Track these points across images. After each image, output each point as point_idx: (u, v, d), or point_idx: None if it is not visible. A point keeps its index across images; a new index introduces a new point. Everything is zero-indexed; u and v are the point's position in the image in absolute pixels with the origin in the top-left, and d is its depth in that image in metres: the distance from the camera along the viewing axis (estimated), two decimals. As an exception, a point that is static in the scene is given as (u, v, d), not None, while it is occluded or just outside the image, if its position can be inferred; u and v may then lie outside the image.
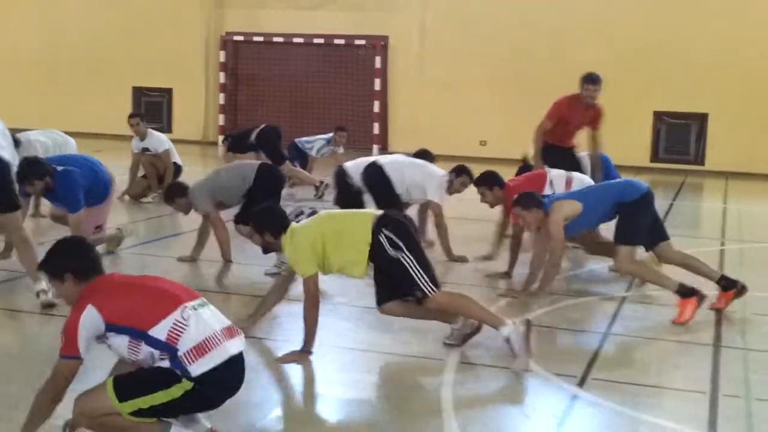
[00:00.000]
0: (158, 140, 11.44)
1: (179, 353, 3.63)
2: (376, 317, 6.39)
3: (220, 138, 18.53)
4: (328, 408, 4.77)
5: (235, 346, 3.81)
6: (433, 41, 17.39)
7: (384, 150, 17.20)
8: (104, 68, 18.77)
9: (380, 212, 5.55)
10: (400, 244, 5.31)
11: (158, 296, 3.78)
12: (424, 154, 9.45)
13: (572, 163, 8.90)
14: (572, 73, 11.54)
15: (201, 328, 3.70)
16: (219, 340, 3.73)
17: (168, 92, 18.79)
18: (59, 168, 7.27)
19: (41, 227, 8.95)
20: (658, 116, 16.35)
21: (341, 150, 13.14)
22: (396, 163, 8.63)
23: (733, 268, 7.97)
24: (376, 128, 17.68)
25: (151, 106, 18.89)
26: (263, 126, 12.42)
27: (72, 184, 7.25)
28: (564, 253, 6.95)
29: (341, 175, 8.68)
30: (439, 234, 8.27)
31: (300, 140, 13.20)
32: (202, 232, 7.95)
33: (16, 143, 9.68)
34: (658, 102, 16.28)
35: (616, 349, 5.92)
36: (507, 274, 7.56)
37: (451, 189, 8.35)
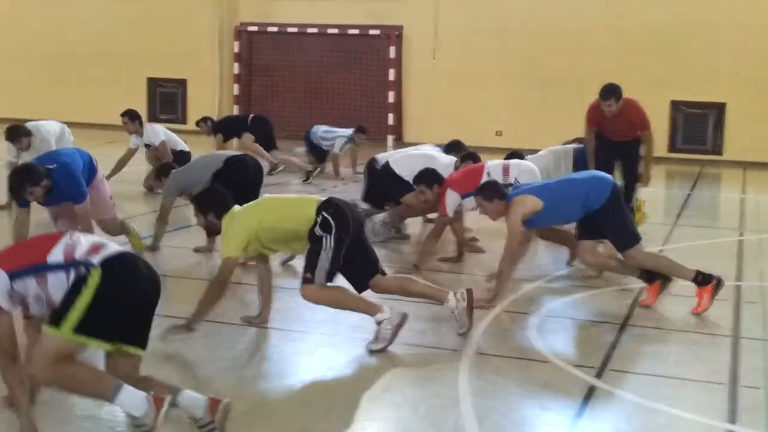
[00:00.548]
0: (154, 133, 11.33)
1: (77, 258, 3.84)
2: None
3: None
4: (344, 399, 4.74)
5: (131, 251, 4.24)
6: (447, 31, 17.31)
7: (399, 141, 17.14)
8: (119, 60, 18.78)
9: (325, 198, 5.55)
10: (333, 227, 5.31)
11: (45, 236, 4.14)
12: (455, 146, 9.48)
13: (622, 155, 8.77)
14: (587, 63, 11.68)
15: (91, 239, 4.01)
16: (108, 244, 3.99)
17: (182, 83, 18.79)
18: (52, 166, 6.96)
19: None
20: (676, 106, 16.22)
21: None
22: (403, 159, 8.75)
23: (752, 259, 7.90)
24: (390, 119, 17.62)
25: (166, 97, 18.91)
26: (254, 115, 13.05)
27: (73, 176, 7.05)
28: (523, 249, 6.81)
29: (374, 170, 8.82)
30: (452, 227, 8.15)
31: (317, 132, 13.18)
32: None
33: (27, 133, 9.85)
34: (675, 91, 16.15)
35: (634, 340, 5.86)
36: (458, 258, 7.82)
37: None
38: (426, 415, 4.47)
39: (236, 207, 5.59)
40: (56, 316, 3.79)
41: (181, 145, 11.54)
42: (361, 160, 11.66)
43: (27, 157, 9.60)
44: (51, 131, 10.20)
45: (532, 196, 6.53)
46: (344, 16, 17.80)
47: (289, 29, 18.19)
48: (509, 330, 5.96)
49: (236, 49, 18.49)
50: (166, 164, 8.68)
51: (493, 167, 7.79)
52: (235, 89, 18.64)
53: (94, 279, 3.79)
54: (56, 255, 3.84)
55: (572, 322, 6.24)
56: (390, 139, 17.23)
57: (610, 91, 8.59)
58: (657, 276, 6.43)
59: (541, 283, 7.10)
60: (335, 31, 17.88)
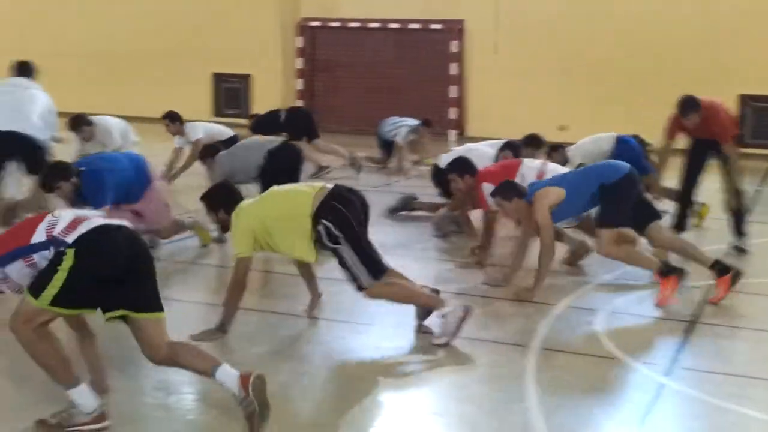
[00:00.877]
0: (194, 131, 11.23)
1: (55, 234, 3.97)
2: (455, 301, 6.36)
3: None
4: (409, 394, 4.75)
5: (112, 221, 4.14)
6: (509, 25, 17.18)
7: (461, 136, 17.09)
8: (184, 56, 19.02)
9: (323, 193, 5.36)
10: (338, 234, 5.23)
11: (30, 219, 4.24)
12: (533, 140, 9.40)
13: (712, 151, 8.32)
14: (651, 58, 11.48)
15: (72, 214, 4.12)
16: (89, 218, 4.09)
17: (246, 78, 18.96)
18: (83, 168, 6.94)
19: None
20: (744, 100, 15.88)
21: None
22: (449, 155, 8.81)
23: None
24: (452, 113, 17.58)
25: (230, 92, 19.10)
26: (291, 107, 12.92)
27: (99, 182, 6.88)
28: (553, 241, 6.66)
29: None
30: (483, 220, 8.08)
31: (384, 126, 13.15)
32: None
33: (88, 122, 10.10)
34: (744, 85, 15.80)
35: (703, 338, 5.76)
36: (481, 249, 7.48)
37: None
38: (491, 410, 4.46)
39: (243, 202, 5.56)
40: (34, 288, 3.96)
41: (227, 132, 11.43)
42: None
43: (90, 149, 9.87)
44: (114, 125, 10.39)
45: (554, 187, 6.51)
46: (406, 10, 17.79)
47: (351, 24, 18.24)
48: (575, 326, 5.90)
49: (299, 45, 18.61)
50: (210, 146, 8.78)
51: (528, 170, 7.51)
52: (298, 84, 18.77)
53: (68, 260, 3.90)
54: (39, 235, 4.00)
55: (640, 319, 6.15)
56: (452, 133, 17.18)
57: (690, 107, 7.91)
58: (727, 270, 6.35)
59: (608, 278, 7.02)
60: (397, 25, 17.88)
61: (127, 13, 19.53)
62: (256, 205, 5.50)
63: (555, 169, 7.67)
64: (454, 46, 17.49)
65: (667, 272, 6.28)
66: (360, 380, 4.93)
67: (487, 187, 7.17)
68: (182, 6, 19.04)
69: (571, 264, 7.31)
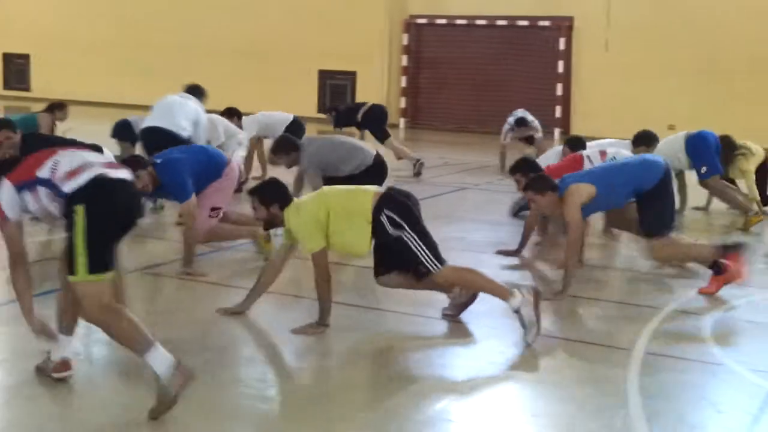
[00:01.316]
0: (248, 127, 11.18)
1: (54, 181, 4.08)
2: (558, 303, 6.29)
3: (401, 120, 18.76)
4: (509, 393, 4.71)
5: (115, 173, 4.15)
6: (620, 22, 16.87)
7: (565, 134, 16.87)
8: (292, 53, 19.33)
9: (382, 190, 5.47)
10: (402, 222, 5.26)
11: (43, 152, 4.27)
12: (644, 138, 9.32)
13: None
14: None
15: (75, 159, 4.16)
16: (92, 166, 4.11)
17: (352, 75, 19.14)
18: (158, 161, 6.80)
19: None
20: None
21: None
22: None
23: None
24: (558, 111, 17.36)
25: (336, 89, 19.33)
26: (371, 104, 12.87)
27: (176, 171, 6.70)
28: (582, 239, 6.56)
29: None
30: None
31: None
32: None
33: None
34: None
35: (818, 347, 5.54)
36: (517, 252, 7.55)
37: None
38: (593, 412, 4.38)
39: (298, 199, 5.58)
40: (69, 265, 4.08)
41: (286, 117, 11.32)
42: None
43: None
44: (219, 121, 10.49)
45: (585, 184, 6.36)
46: (514, 7, 17.65)
47: (458, 21, 18.21)
48: (681, 330, 5.75)
49: (405, 42, 18.68)
50: (283, 138, 8.42)
51: (592, 153, 7.72)
52: (403, 81, 18.84)
53: (79, 219, 3.99)
54: (45, 172, 4.13)
55: (749, 325, 5.95)
56: (557, 132, 16.98)
57: None
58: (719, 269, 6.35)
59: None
60: (504, 22, 17.76)
61: (233, 11, 19.94)
62: (318, 199, 5.49)
63: (618, 151, 7.78)
64: (561, 44, 17.27)
65: (728, 250, 6.31)
66: (457, 377, 4.92)
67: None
68: (290, 4, 19.34)
69: None
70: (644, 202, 6.43)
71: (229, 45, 19.96)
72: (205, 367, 4.66)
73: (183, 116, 8.92)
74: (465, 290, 5.64)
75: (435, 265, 5.32)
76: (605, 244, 8.46)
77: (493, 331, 5.63)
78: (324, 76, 19.40)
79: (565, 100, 17.46)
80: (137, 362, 4.17)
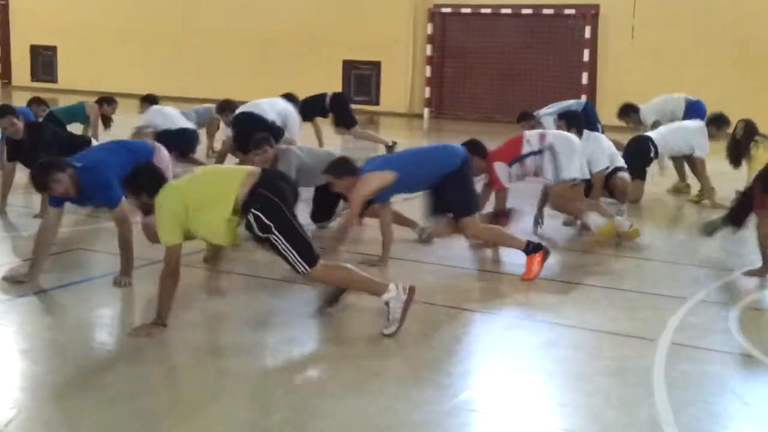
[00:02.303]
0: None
1: None
2: (582, 293, 6.27)
3: (426, 110, 18.73)
4: (534, 384, 4.70)
5: None
6: (647, 9, 16.72)
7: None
8: (317, 43, 19.33)
9: (252, 182, 5.13)
10: (269, 224, 5.05)
11: None
12: (718, 119, 10.11)
13: None
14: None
15: None
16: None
17: (377, 65, 19.11)
18: (78, 164, 6.08)
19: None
20: None
21: None
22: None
23: None
24: (584, 99, 17.25)
25: (361, 79, 19.31)
26: (333, 93, 12.72)
27: (99, 173, 6.09)
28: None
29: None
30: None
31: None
32: None
33: (232, 108, 10.58)
34: None
35: None
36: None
37: None
38: (618, 404, 4.36)
39: (167, 185, 5.27)
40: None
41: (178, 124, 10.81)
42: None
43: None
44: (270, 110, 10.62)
45: (382, 171, 6.47)
46: (539, -5, 17.55)
47: (483, 10, 18.13)
48: (708, 321, 5.71)
49: (429, 31, 18.63)
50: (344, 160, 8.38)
51: (531, 134, 7.81)
52: (427, 71, 18.79)
53: None
54: None
55: (777, 315, 5.91)
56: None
57: None
58: (539, 248, 6.52)
59: (742, 272, 6.75)
60: (529, 11, 17.66)
61: (261, 4, 19.95)
62: (180, 187, 5.24)
63: (558, 134, 7.86)
64: (587, 32, 17.15)
65: (534, 249, 6.48)
66: (482, 368, 4.92)
67: (498, 166, 7.45)
68: (314, -6, 19.32)
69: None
70: (449, 185, 6.56)
71: (254, 35, 20.00)
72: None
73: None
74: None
75: (303, 267, 5.12)
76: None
77: (518, 322, 5.62)
78: (348, 66, 19.40)
79: (591, 89, 17.34)
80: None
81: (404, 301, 5.15)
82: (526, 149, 7.56)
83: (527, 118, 10.84)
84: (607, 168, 8.34)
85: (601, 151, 8.25)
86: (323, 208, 7.80)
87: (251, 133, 8.06)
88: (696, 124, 9.93)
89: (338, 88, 19.13)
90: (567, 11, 17.38)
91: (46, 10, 22.16)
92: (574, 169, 7.54)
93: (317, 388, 4.55)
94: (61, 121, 11.18)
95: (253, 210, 5.07)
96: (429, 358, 4.97)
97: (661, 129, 10.06)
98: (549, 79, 17.73)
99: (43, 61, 22.83)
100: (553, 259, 7.22)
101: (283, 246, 5.09)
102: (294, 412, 4.20)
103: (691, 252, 7.41)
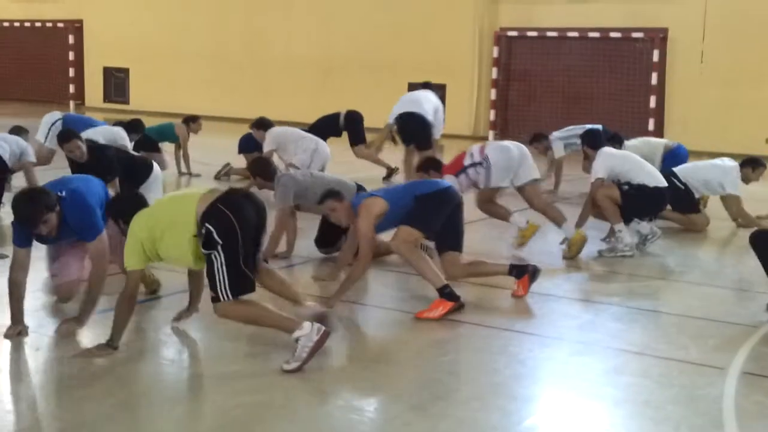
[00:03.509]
0: (270, 139, 11.11)
1: None
2: (650, 319, 6.18)
3: (491, 133, 18.69)
4: (600, 412, 4.64)
5: None
6: (717, 33, 16.48)
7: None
8: (382, 66, 19.44)
9: (211, 198, 5.06)
10: (218, 240, 4.94)
11: None
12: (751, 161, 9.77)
13: None
14: None
15: None
16: None
17: (442, 88, 19.12)
18: (62, 194, 5.48)
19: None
20: None
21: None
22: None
23: None
24: (651, 124, 17.05)
25: (425, 102, 19.33)
26: (348, 110, 12.80)
27: (82, 204, 5.54)
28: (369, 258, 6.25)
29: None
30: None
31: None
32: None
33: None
34: None
35: None
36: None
37: None
38: (687, 434, 4.29)
39: (140, 212, 5.23)
40: None
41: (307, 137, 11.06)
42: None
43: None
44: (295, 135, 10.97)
45: (378, 198, 6.30)
46: (606, 19, 17.43)
47: (549, 33, 18.06)
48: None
49: (495, 54, 18.61)
50: (261, 160, 8.27)
51: (474, 148, 8.24)
52: (492, 94, 18.76)
53: None
54: None
55: None
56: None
57: None
58: (524, 270, 6.50)
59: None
60: (596, 34, 17.55)
61: (326, 26, 20.17)
62: (147, 214, 5.22)
63: (497, 146, 8.29)
64: (655, 56, 16.97)
65: (449, 295, 6.07)
66: (548, 395, 4.87)
67: (448, 179, 7.59)
68: (380, 17, 19.47)
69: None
70: (417, 204, 6.27)
71: (318, 57, 20.21)
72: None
73: (426, 102, 11.59)
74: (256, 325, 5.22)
75: (226, 295, 4.97)
76: (696, 260, 8.28)
77: (584, 347, 5.56)
78: (414, 89, 19.45)
79: (658, 113, 17.13)
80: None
81: (314, 342, 4.90)
82: (467, 161, 8.07)
83: (539, 140, 11.64)
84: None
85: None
86: (329, 235, 7.56)
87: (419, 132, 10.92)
88: (728, 163, 9.61)
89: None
90: (635, 35, 17.22)
91: (119, 33, 22.71)
92: (503, 179, 8.05)
93: (381, 410, 4.55)
94: (154, 140, 11.87)
95: (207, 224, 4.98)
96: (494, 382, 4.93)
97: (687, 165, 9.88)
98: (615, 102, 17.58)
99: (116, 82, 23.36)
100: (619, 285, 7.16)
101: (218, 267, 4.97)
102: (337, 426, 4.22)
103: (761, 279, 7.24)
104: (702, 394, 4.76)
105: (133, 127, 10.89)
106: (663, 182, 8.40)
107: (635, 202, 8.23)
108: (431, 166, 7.82)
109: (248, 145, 11.93)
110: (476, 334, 5.77)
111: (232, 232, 4.96)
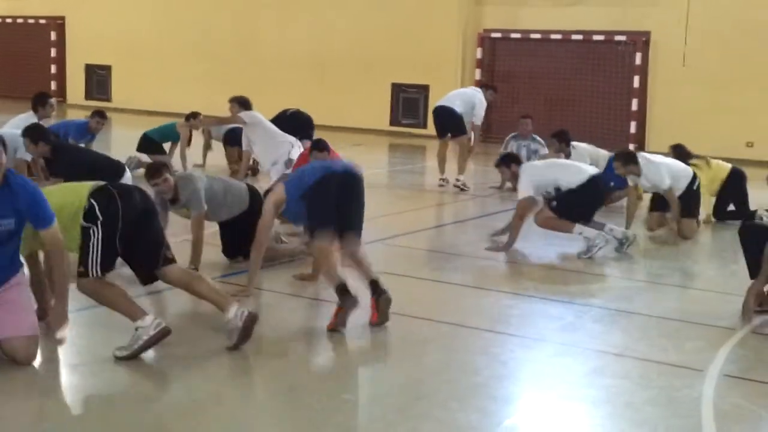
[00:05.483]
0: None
1: None
2: (630, 321, 6.21)
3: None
4: (580, 413, 4.66)
5: None
6: (699, 36, 16.58)
7: (640, 149, 16.61)
8: (366, 66, 19.42)
9: (103, 184, 5.20)
10: (99, 215, 5.02)
11: None
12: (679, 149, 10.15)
13: None
14: None
15: None
16: None
17: (425, 89, 19.16)
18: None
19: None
20: None
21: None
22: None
23: None
24: (633, 127, 17.14)
25: (409, 103, 19.36)
26: (297, 110, 12.55)
27: (31, 188, 4.98)
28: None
29: None
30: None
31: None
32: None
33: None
34: None
35: None
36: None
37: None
38: (666, 435, 4.31)
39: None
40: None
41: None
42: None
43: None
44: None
45: (282, 187, 6.23)
46: (589, 22, 17.50)
47: (533, 35, 18.11)
48: (760, 353, 5.63)
49: (479, 56, 18.65)
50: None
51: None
52: (476, 95, 18.79)
53: None
54: None
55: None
56: (631, 147, 16.73)
57: None
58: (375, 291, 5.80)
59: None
60: (579, 37, 17.61)
61: (314, 28, 20.12)
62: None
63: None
64: (638, 58, 17.06)
65: (343, 301, 5.69)
66: (527, 395, 4.89)
67: None
68: (368, 18, 19.46)
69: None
70: (308, 199, 5.95)
71: (304, 56, 20.16)
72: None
73: (458, 98, 12.38)
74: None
75: (96, 271, 5.03)
76: (677, 263, 8.33)
77: (564, 348, 5.58)
78: (397, 89, 19.47)
79: (641, 116, 17.22)
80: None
81: (150, 336, 4.97)
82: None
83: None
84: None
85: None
86: (232, 243, 7.21)
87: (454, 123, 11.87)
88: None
89: (386, 111, 19.25)
90: (618, 38, 17.30)
91: (101, 30, 22.58)
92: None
93: (362, 411, 4.56)
94: (156, 141, 11.87)
95: (92, 199, 5.07)
96: (475, 382, 4.94)
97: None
98: (598, 105, 17.65)
99: (98, 80, 23.24)
100: (600, 287, 7.19)
101: (94, 242, 5.02)
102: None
103: (741, 282, 7.29)
104: (681, 396, 4.80)
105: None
106: (588, 172, 8.30)
107: (572, 207, 8.16)
108: (315, 146, 8.28)
109: (234, 138, 12.01)
110: (458, 334, 5.78)
111: (114, 210, 5.07)
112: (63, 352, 5.12)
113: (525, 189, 8.25)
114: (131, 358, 4.93)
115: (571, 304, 6.60)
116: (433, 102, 18.88)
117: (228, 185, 7.19)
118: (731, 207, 9.96)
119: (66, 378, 4.87)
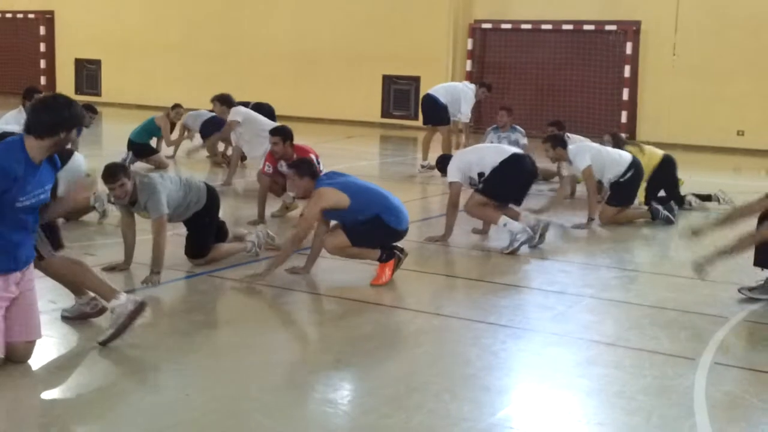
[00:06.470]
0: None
1: None
2: (622, 310, 6.22)
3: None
4: (573, 402, 4.67)
5: None
6: (689, 26, 16.61)
7: (630, 139, 16.64)
8: (357, 58, 19.41)
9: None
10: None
11: None
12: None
13: None
14: None
15: None
16: None
17: (416, 80, 19.15)
18: None
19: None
20: None
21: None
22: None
23: None
24: (624, 116, 17.16)
25: (399, 94, 19.36)
26: (258, 102, 12.35)
27: None
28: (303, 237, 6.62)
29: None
30: None
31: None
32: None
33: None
34: None
35: None
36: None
37: None
38: (659, 424, 4.32)
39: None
40: None
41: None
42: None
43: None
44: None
45: (337, 192, 6.46)
46: (580, 12, 17.50)
47: (523, 26, 18.11)
48: (752, 341, 5.65)
49: (469, 47, 18.64)
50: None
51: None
52: (467, 86, 18.78)
53: None
54: None
55: (822, 337, 5.81)
56: (622, 137, 16.76)
57: None
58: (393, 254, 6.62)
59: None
60: (570, 27, 17.61)
61: (301, 19, 20.09)
62: None
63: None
64: (628, 48, 17.07)
65: (386, 257, 6.58)
66: (520, 385, 4.89)
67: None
68: (357, 10, 19.43)
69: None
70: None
71: (293, 49, 20.13)
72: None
73: (445, 90, 12.78)
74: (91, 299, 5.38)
75: (49, 251, 5.04)
76: (665, 252, 8.35)
77: (556, 338, 5.59)
78: (388, 80, 19.46)
79: (632, 105, 17.25)
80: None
81: (130, 311, 5.01)
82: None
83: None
84: None
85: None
86: (197, 243, 7.07)
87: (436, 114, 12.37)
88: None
89: (378, 103, 19.24)
90: (608, 27, 17.31)
91: (91, 24, 22.51)
92: None
93: (355, 403, 4.56)
94: (144, 143, 11.77)
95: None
96: (467, 373, 4.95)
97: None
98: (588, 95, 17.67)
99: (88, 74, 23.16)
100: (591, 276, 7.20)
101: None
102: (331, 428, 4.22)
103: (732, 272, 7.31)
104: (673, 385, 4.81)
105: None
106: (507, 152, 8.22)
107: (497, 187, 8.08)
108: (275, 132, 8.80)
109: (208, 129, 12.00)
110: (450, 326, 5.79)
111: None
112: (56, 348, 5.12)
113: (451, 175, 8.26)
114: (116, 337, 4.96)
115: (562, 294, 6.61)
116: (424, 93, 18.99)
117: (188, 185, 7.03)
118: (662, 193, 10.01)
119: (60, 374, 4.86)
